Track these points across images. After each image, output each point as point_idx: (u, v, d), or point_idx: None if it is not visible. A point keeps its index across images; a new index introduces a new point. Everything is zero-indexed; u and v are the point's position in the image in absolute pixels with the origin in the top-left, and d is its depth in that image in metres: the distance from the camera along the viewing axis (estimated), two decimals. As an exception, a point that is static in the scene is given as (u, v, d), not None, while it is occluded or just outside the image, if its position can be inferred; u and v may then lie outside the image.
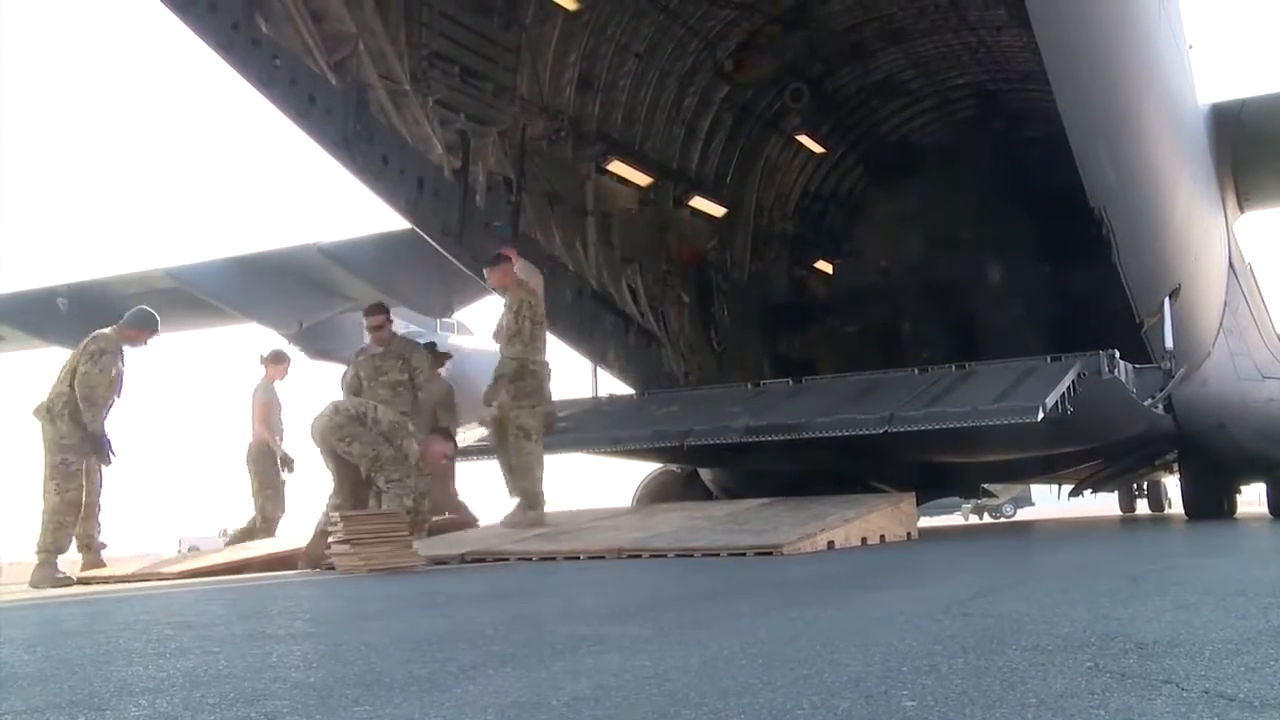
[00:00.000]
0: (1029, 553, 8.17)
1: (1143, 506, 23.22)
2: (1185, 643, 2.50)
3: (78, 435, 7.72)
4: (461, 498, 9.37)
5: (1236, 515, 13.16)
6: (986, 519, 34.63)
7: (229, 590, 5.85)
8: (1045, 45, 7.17)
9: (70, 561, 8.11)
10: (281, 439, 10.02)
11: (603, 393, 12.16)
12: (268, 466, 9.91)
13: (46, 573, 7.49)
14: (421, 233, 10.27)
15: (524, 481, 8.44)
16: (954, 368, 9.99)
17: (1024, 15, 7.31)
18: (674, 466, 13.17)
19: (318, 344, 14.03)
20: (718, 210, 14.32)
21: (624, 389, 12.39)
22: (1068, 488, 17.82)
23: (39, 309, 14.34)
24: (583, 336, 11.95)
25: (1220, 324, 11.52)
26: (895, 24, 13.72)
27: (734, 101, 13.87)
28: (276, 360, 10.40)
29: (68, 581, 7.49)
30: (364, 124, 9.41)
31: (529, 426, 8.45)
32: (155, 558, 9.34)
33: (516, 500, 8.57)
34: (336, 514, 6.96)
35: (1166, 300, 9.50)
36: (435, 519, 8.24)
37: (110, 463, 7.97)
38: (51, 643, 3.44)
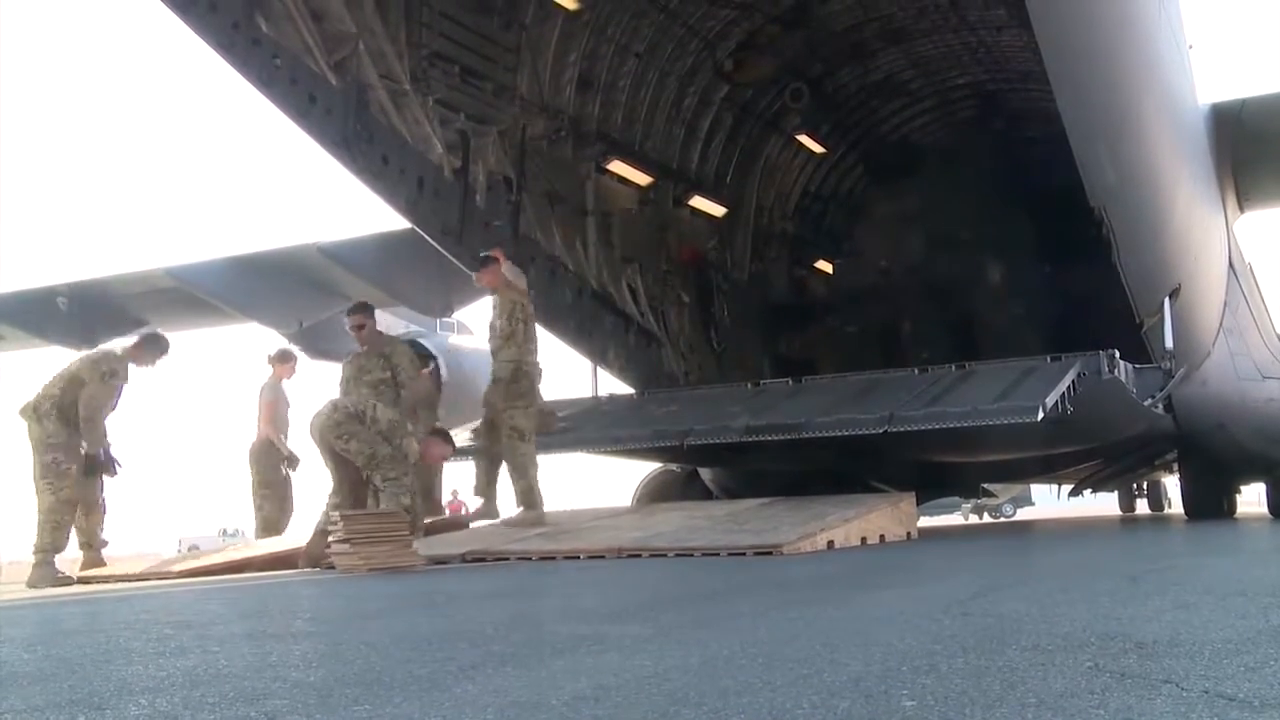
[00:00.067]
0: (1029, 552, 8.18)
1: (1142, 506, 23.23)
2: (1185, 642, 2.50)
3: (64, 434, 7.69)
4: (463, 498, 9.39)
5: (1236, 515, 13.17)
6: (986, 519, 34.62)
7: (229, 589, 5.85)
8: (1045, 45, 7.17)
9: (70, 560, 8.11)
10: (287, 437, 10.03)
11: (603, 392, 12.16)
12: (269, 465, 9.92)
13: (45, 573, 7.48)
14: (421, 232, 10.27)
15: (521, 482, 8.45)
16: (954, 367, 9.99)
17: (1024, 15, 7.31)
18: (674, 466, 13.18)
19: (318, 343, 14.01)
20: (718, 210, 14.32)
21: (624, 389, 12.39)
22: (1067, 487, 17.82)
23: (39, 308, 14.35)
24: (583, 336, 11.95)
25: (1220, 324, 11.53)
26: (895, 24, 13.72)
27: (734, 101, 13.87)
28: (283, 359, 10.43)
29: (68, 581, 7.48)
30: (364, 123, 9.42)
31: (523, 428, 8.47)
32: (155, 557, 9.32)
33: (481, 501, 8.65)
34: (336, 513, 6.97)
35: (1166, 300, 9.50)
36: (425, 520, 8.25)
37: (116, 473, 7.98)
38: (51, 642, 3.44)
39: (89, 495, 7.93)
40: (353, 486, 7.61)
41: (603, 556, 6.84)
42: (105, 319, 14.72)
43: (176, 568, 7.97)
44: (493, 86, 10.73)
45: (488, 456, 8.67)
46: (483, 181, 10.74)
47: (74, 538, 7.96)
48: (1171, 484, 19.58)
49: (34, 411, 7.75)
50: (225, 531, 36.11)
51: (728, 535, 7.08)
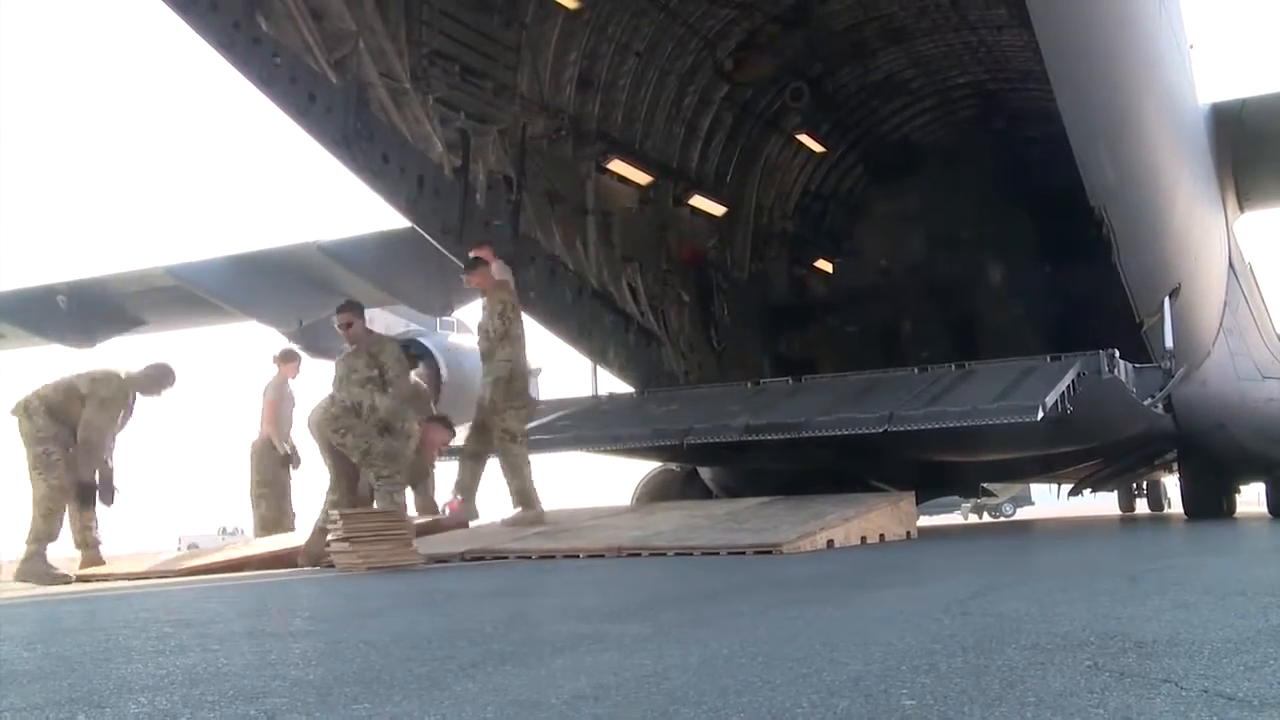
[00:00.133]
0: (1028, 552, 8.18)
1: (1142, 506, 23.22)
2: (1184, 642, 2.50)
3: (53, 429, 7.67)
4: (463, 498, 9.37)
5: (1236, 515, 13.17)
6: (986, 518, 34.63)
7: (228, 588, 5.86)
8: (1046, 45, 7.17)
9: (69, 560, 8.10)
10: (289, 437, 10.04)
11: (603, 391, 12.16)
12: (269, 465, 9.93)
13: (35, 567, 7.34)
14: (422, 231, 10.27)
15: (516, 482, 8.44)
16: (954, 367, 9.99)
17: (1024, 15, 7.31)
18: (673, 465, 13.18)
19: (318, 342, 14.01)
20: (718, 209, 14.32)
21: (624, 388, 12.39)
22: (1067, 487, 17.81)
23: (39, 307, 14.36)
24: (583, 335, 11.96)
25: (1220, 324, 11.53)
26: (896, 23, 13.71)
27: (734, 100, 13.87)
28: (288, 359, 10.46)
29: (65, 579, 7.41)
30: (364, 122, 9.42)
31: (515, 429, 8.48)
32: (155, 556, 9.31)
33: (458, 498, 8.67)
34: (335, 511, 6.97)
35: (1166, 300, 9.50)
36: (418, 520, 8.23)
37: (111, 504, 7.94)
38: (51, 640, 3.44)
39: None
40: (350, 483, 7.61)
41: (602, 555, 6.84)
42: (105, 317, 14.74)
43: (175, 566, 7.97)
44: (493, 85, 10.73)
45: (474, 458, 8.66)
46: (483, 180, 10.74)
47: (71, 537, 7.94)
48: (1171, 484, 19.58)
49: (24, 410, 7.74)
50: (225, 530, 36.13)
51: (727, 534, 7.08)
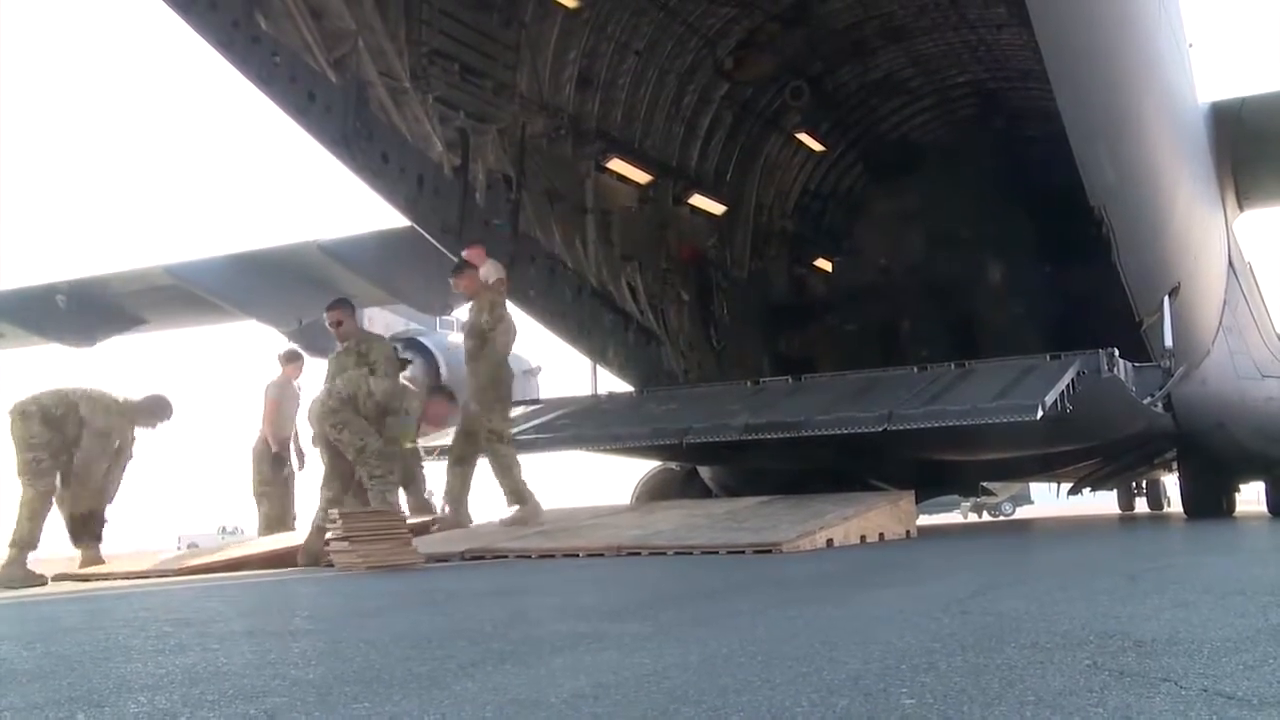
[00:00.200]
0: (1028, 551, 8.18)
1: (1141, 505, 23.23)
2: (1183, 641, 2.50)
3: (46, 435, 7.66)
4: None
5: (1235, 514, 13.17)
6: (985, 517, 34.63)
7: (228, 587, 5.85)
8: (1045, 44, 7.17)
9: (69, 559, 8.08)
10: (293, 437, 10.05)
11: (602, 390, 12.16)
12: (269, 464, 9.94)
13: (14, 571, 7.29)
14: (421, 230, 10.27)
15: (508, 481, 8.42)
16: (953, 366, 9.99)
17: (1024, 13, 7.31)
18: (673, 464, 13.18)
19: (318, 341, 13.99)
20: (717, 208, 14.32)
21: (623, 387, 12.40)
22: (1066, 486, 17.82)
23: (39, 306, 14.35)
24: (582, 334, 11.96)
25: (1220, 323, 11.53)
26: (895, 22, 13.72)
27: (734, 99, 13.87)
28: (292, 359, 10.48)
29: (41, 581, 7.27)
30: (364, 121, 9.41)
31: (500, 430, 8.48)
32: (154, 555, 9.30)
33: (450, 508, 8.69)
34: (335, 511, 6.96)
35: (1166, 299, 9.50)
36: (412, 520, 8.22)
37: (99, 539, 7.91)
38: (50, 639, 3.44)
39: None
40: (344, 481, 7.58)
41: (602, 555, 6.84)
42: (104, 317, 14.74)
43: (175, 565, 7.96)
44: (492, 84, 10.72)
45: (461, 463, 8.64)
46: (482, 179, 10.74)
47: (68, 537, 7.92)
48: (1171, 483, 19.59)
49: (21, 414, 7.71)
50: (224, 529, 36.14)
51: (727, 533, 7.08)
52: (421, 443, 9.00)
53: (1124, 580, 4.34)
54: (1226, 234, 11.83)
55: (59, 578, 7.53)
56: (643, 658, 2.54)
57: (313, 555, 7.31)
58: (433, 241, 10.31)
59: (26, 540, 7.47)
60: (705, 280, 14.19)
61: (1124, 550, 7.67)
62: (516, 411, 10.90)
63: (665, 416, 10.18)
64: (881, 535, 7.76)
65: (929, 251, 14.52)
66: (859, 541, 7.38)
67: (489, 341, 8.52)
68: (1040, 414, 7.92)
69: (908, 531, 8.29)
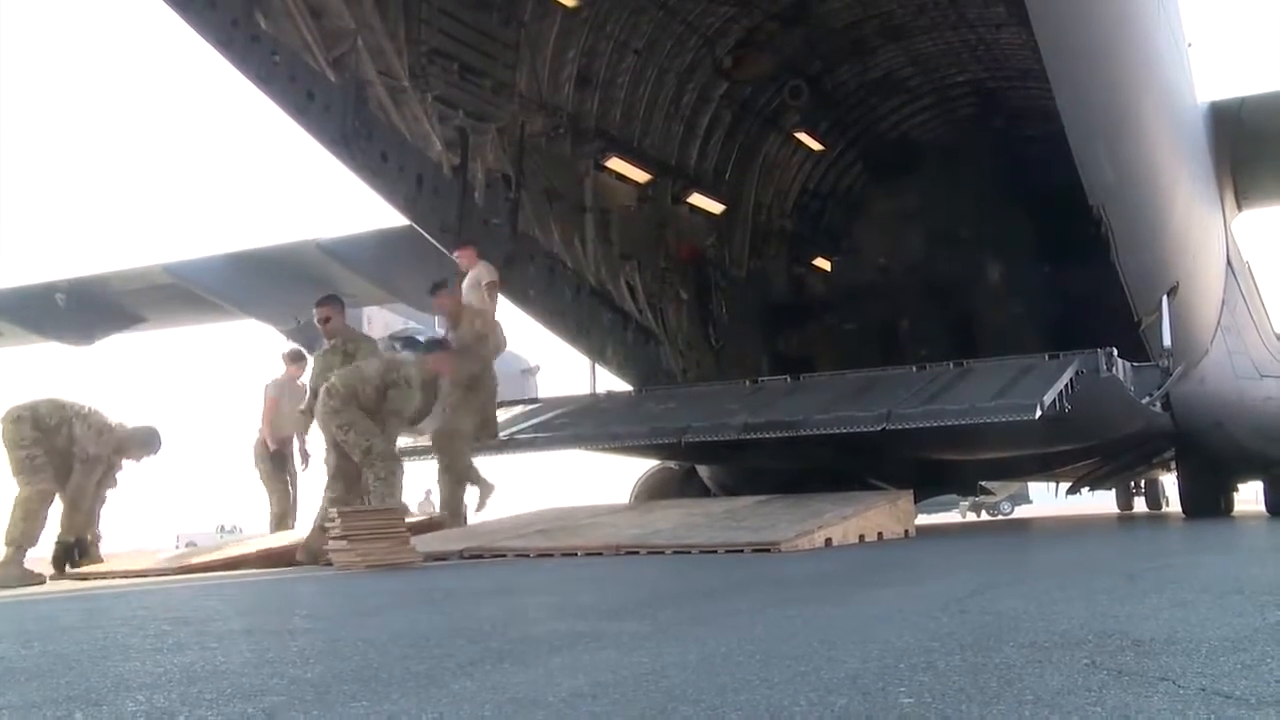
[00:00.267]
0: (1026, 550, 8.18)
1: (1140, 505, 23.23)
2: (1182, 640, 2.50)
3: (36, 436, 7.65)
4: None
5: (1234, 513, 13.18)
6: (984, 516, 34.63)
7: (226, 586, 5.85)
8: (1044, 43, 7.17)
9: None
10: (296, 435, 10.04)
11: (601, 389, 12.16)
12: (267, 462, 9.95)
13: (11, 571, 7.25)
14: (420, 229, 10.27)
15: (458, 463, 8.57)
16: (952, 365, 10.00)
17: (1023, 13, 7.32)
18: (672, 463, 13.18)
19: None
20: (716, 207, 14.33)
21: (622, 386, 12.40)
22: (1065, 485, 17.83)
23: (38, 305, 14.34)
24: (581, 333, 11.96)
25: (1218, 322, 11.54)
26: (895, 21, 13.72)
27: (733, 98, 13.87)
28: (295, 359, 10.47)
29: (39, 579, 7.28)
30: (363, 120, 9.41)
31: (465, 430, 8.60)
32: (153, 553, 9.29)
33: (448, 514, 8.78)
34: (334, 509, 6.95)
35: (1165, 298, 9.51)
36: (411, 520, 8.22)
37: (78, 564, 7.89)
38: (48, 638, 3.43)
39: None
40: (349, 481, 7.57)
41: (600, 554, 6.84)
42: (104, 315, 14.73)
43: (174, 564, 7.96)
44: (491, 83, 10.72)
45: (450, 470, 8.68)
46: (481, 179, 10.74)
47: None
48: (1169, 482, 19.60)
49: (14, 418, 7.70)
50: (223, 528, 36.10)
51: (725, 533, 7.08)
52: (401, 443, 9.05)
53: (1122, 579, 4.34)
54: (1225, 234, 11.84)
55: (57, 576, 7.53)
56: (641, 657, 2.54)
57: (313, 553, 7.31)
58: (432, 241, 10.31)
59: (23, 539, 7.45)
60: (704, 279, 14.19)
61: (1122, 549, 7.67)
62: (515, 410, 10.92)
63: (664, 416, 10.19)
64: (880, 534, 7.76)
65: (928, 251, 14.52)
66: (857, 541, 7.38)
67: (484, 339, 8.56)
68: (1039, 413, 7.93)
69: (906, 531, 8.29)
